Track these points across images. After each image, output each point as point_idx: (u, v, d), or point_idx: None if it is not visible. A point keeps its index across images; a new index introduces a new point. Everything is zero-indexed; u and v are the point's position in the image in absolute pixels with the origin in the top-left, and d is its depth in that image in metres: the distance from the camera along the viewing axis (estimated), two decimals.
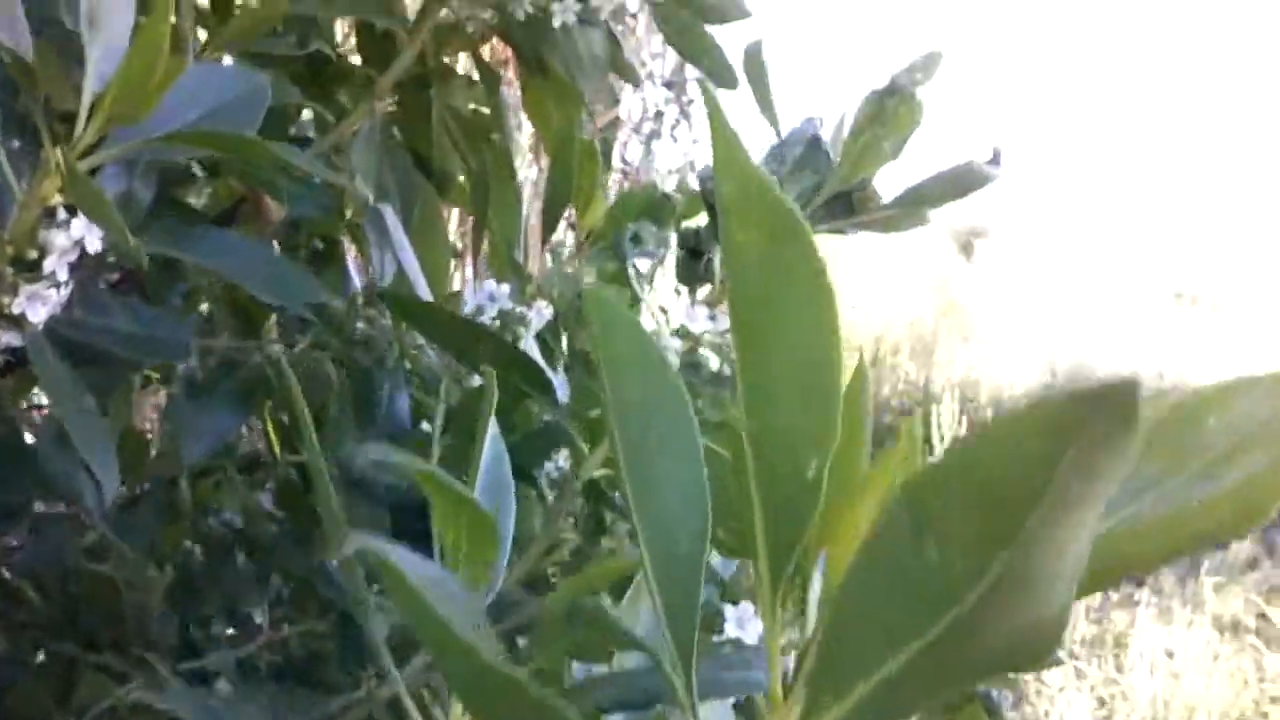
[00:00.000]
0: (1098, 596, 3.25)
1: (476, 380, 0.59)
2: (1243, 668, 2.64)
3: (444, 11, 0.75)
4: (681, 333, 0.50)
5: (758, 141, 0.50)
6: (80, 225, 0.42)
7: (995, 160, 0.50)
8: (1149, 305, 9.60)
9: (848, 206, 0.51)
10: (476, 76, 0.82)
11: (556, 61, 0.73)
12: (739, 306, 0.19)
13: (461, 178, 0.83)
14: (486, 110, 0.82)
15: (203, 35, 0.75)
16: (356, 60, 0.83)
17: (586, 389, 0.53)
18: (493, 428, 0.30)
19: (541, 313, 0.63)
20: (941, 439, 2.55)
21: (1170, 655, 2.79)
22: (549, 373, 0.61)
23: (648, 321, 0.54)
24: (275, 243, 0.82)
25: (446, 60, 0.80)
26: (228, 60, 0.57)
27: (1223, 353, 7.09)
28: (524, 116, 0.83)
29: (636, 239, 0.50)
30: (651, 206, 0.61)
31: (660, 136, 3.64)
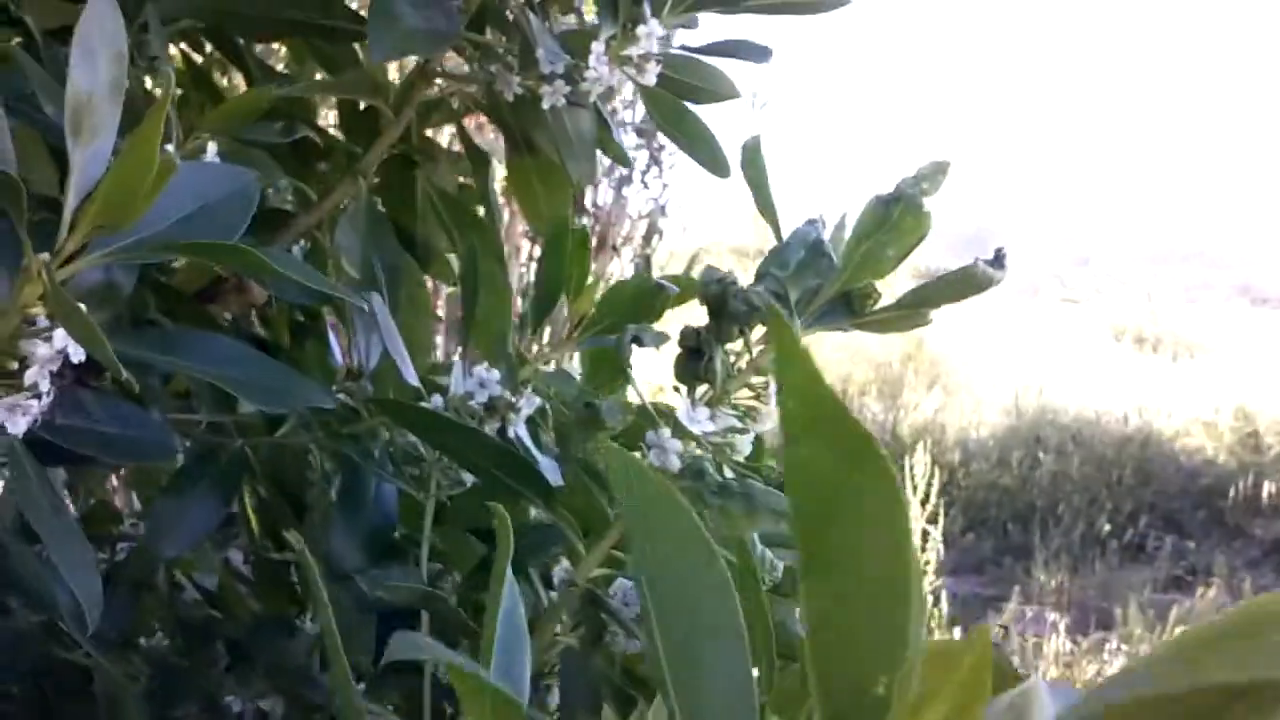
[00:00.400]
0: (1067, 643, 3.25)
1: (468, 476, 0.57)
2: None
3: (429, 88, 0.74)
4: (682, 434, 0.49)
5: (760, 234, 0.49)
6: (63, 335, 0.41)
7: (999, 262, 0.49)
8: (1110, 349, 9.72)
9: (848, 307, 0.50)
10: (460, 148, 0.81)
11: (544, 141, 0.73)
12: (803, 525, 0.18)
13: (445, 248, 0.82)
14: (471, 182, 0.81)
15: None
16: (335, 129, 0.82)
17: (583, 487, 0.52)
18: (509, 579, 0.28)
19: (532, 400, 0.62)
20: (915, 489, 2.55)
21: None
22: (543, 465, 0.60)
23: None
24: (255, 316, 0.80)
25: (430, 134, 0.79)
26: (212, 147, 0.55)
27: (1181, 395, 7.17)
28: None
29: (638, 340, 0.49)
30: (643, 296, 0.61)
31: (631, 182, 3.64)
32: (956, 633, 2.94)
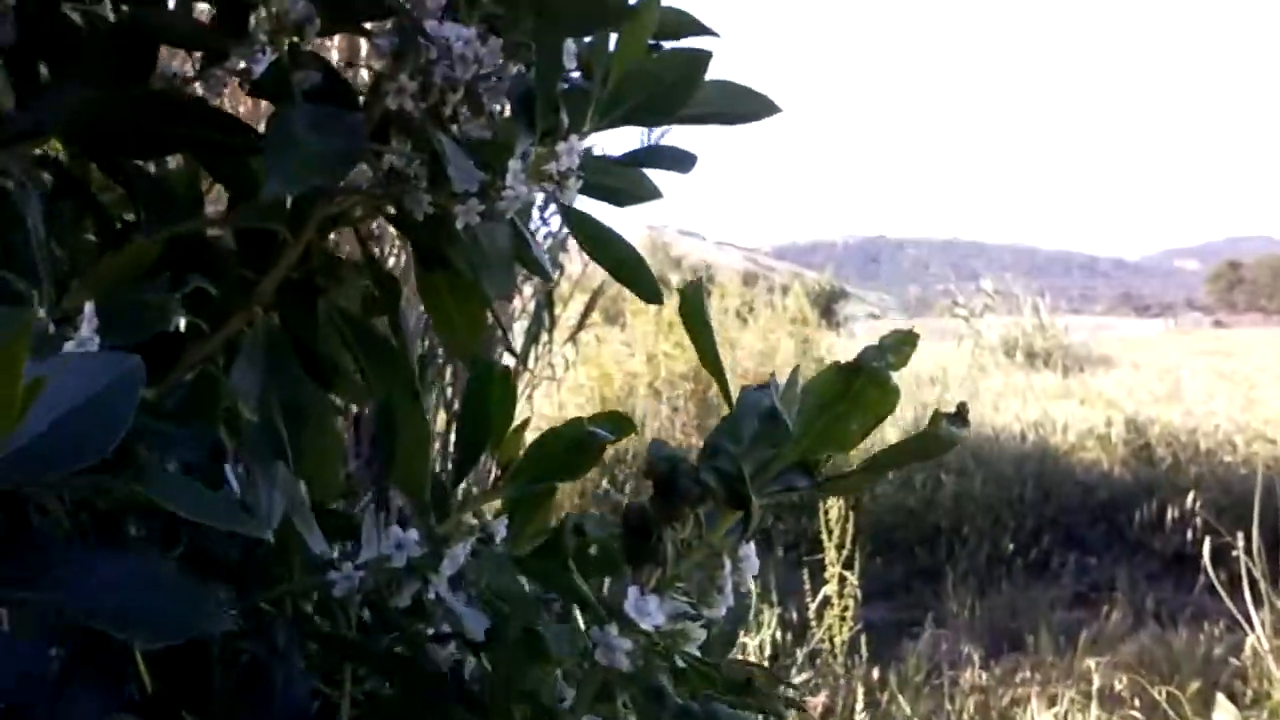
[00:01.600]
0: (982, 673, 3.28)
1: None
2: None
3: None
4: (630, 628, 0.44)
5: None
6: None
7: (962, 420, 0.46)
8: (1002, 364, 9.96)
9: (806, 471, 0.46)
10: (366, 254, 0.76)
11: (457, 257, 0.68)
12: None
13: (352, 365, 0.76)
14: (376, 290, 0.76)
15: None
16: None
17: (510, 696, 0.47)
18: None
19: (455, 558, 0.57)
20: (829, 534, 2.54)
21: None
22: (469, 616, 0.55)
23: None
24: None
25: (332, 245, 0.74)
26: (89, 308, 0.49)
27: (1074, 409, 7.37)
28: None
29: (579, 531, 0.44)
30: (575, 446, 0.56)
31: (530, 218, 3.56)
32: (875, 671, 2.94)
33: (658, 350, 6.68)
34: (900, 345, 0.42)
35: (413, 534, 0.56)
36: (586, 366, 6.44)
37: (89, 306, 0.49)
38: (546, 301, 2.99)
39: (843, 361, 0.43)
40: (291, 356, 0.68)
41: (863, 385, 0.42)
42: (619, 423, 0.58)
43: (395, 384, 0.62)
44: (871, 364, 0.42)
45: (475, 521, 0.57)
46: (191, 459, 0.57)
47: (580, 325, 3.53)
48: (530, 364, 2.91)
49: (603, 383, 6.62)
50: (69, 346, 0.49)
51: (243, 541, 0.66)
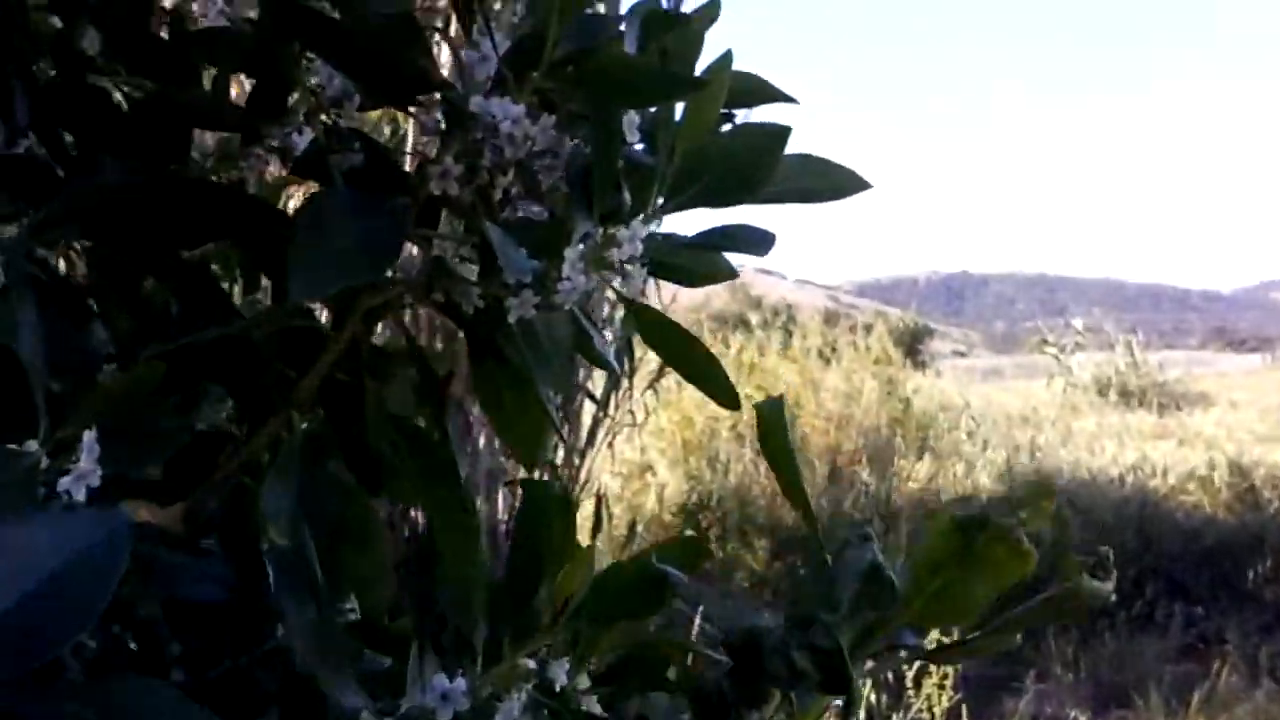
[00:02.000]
0: None
1: None
2: None
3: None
4: None
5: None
6: None
7: (1105, 571, 0.38)
8: (1095, 403, 9.66)
9: (918, 635, 0.38)
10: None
11: (512, 350, 0.61)
12: None
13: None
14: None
15: None
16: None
17: None
18: None
19: (509, 714, 0.50)
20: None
21: None
22: None
23: None
24: None
25: (376, 341, 0.68)
26: (89, 437, 0.43)
27: (1172, 450, 7.08)
28: None
29: (646, 712, 0.37)
30: (644, 584, 0.48)
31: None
32: None
33: (739, 393, 6.58)
34: (1036, 498, 0.34)
35: (460, 684, 0.49)
36: (667, 411, 6.36)
37: (89, 436, 0.44)
38: (626, 347, 2.93)
39: (959, 514, 0.35)
40: (332, 463, 0.62)
41: (987, 543, 0.34)
42: (692, 552, 0.50)
43: (442, 497, 0.56)
44: (998, 521, 0.34)
45: (532, 665, 0.50)
46: (212, 596, 0.51)
47: (661, 371, 3.46)
48: (611, 410, 2.86)
49: (684, 427, 6.53)
50: (65, 482, 0.44)
51: (283, 672, 0.60)
